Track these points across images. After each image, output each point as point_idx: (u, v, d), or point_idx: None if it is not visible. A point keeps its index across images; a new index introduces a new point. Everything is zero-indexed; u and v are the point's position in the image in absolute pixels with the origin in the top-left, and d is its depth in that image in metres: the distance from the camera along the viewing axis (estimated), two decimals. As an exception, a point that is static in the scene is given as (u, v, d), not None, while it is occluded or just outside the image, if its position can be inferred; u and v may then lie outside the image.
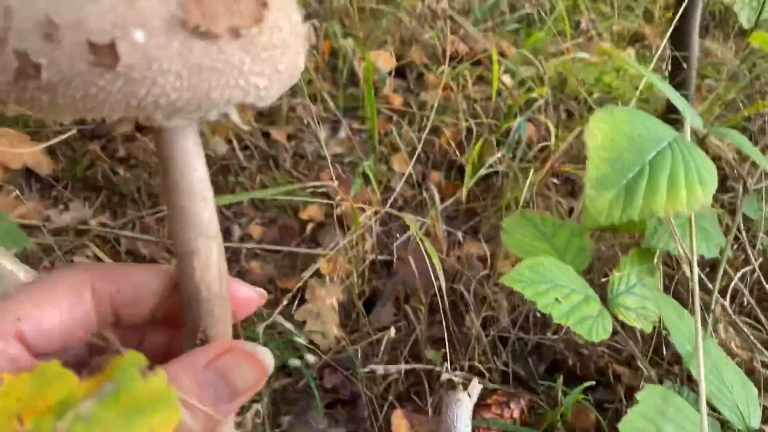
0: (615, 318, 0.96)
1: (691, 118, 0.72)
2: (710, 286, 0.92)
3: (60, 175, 1.56)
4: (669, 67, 1.64)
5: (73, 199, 1.50)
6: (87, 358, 0.48)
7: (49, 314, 0.44)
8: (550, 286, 0.90)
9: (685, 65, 1.51)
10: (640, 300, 0.98)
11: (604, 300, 0.98)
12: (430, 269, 1.23)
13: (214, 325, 0.46)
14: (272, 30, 0.37)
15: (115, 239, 1.44)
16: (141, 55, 0.33)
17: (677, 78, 1.55)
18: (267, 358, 0.45)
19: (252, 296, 0.51)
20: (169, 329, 0.49)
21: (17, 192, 1.46)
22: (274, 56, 0.38)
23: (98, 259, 1.40)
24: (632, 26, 2.55)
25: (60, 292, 0.45)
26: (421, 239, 1.21)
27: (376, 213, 1.43)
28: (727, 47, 2.58)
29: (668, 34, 1.46)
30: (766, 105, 1.32)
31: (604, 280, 0.99)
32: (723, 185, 1.72)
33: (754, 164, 1.61)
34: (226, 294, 0.46)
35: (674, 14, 1.50)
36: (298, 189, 1.53)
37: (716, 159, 1.69)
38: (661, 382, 1.06)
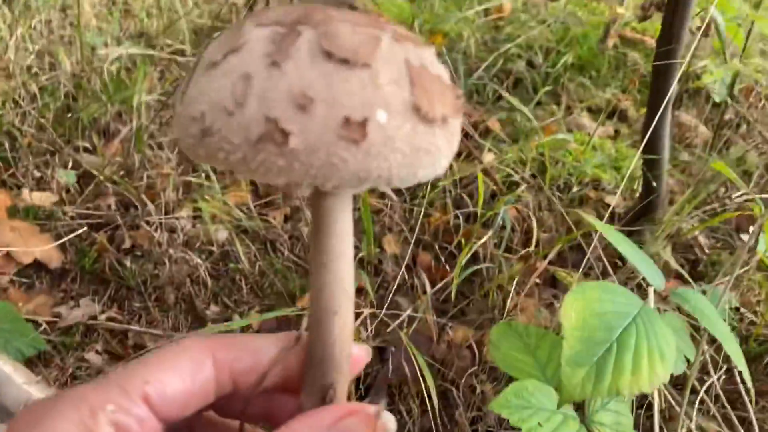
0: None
1: (653, 281, 0.82)
2: (677, 408, 1.02)
3: (69, 268, 1.64)
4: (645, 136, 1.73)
5: (82, 293, 1.58)
6: (192, 425, 0.52)
7: (173, 381, 0.47)
8: (533, 411, 0.99)
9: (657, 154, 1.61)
10: (615, 416, 1.07)
11: (583, 415, 1.07)
12: (418, 371, 1.32)
13: (341, 384, 0.48)
14: (458, 119, 0.44)
15: (123, 332, 1.51)
16: (382, 134, 0.38)
17: (651, 153, 1.63)
18: (390, 422, 0.47)
19: (362, 355, 0.53)
20: (272, 393, 0.52)
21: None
22: (454, 141, 0.43)
23: (108, 353, 1.47)
24: (611, 98, 2.68)
25: (184, 360, 0.48)
26: (410, 347, 1.30)
27: (373, 315, 1.51)
28: (701, 118, 2.72)
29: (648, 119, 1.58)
30: (728, 216, 1.44)
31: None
32: (695, 269, 1.84)
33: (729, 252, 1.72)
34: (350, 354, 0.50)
35: (650, 96, 1.59)
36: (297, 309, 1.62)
37: (689, 247, 1.80)
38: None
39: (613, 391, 0.70)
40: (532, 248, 1.56)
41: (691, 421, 1.04)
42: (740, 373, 0.78)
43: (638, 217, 1.72)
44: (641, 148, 1.44)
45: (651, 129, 1.44)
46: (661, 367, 0.71)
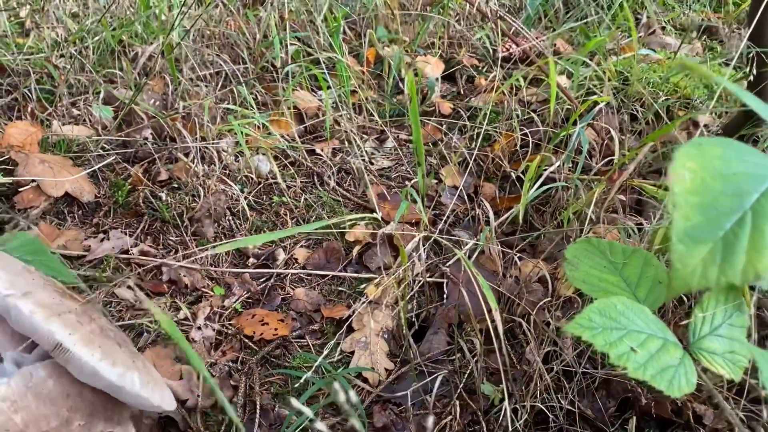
0: (698, 364, 0.84)
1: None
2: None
3: (102, 201, 1.53)
4: (747, 58, 1.47)
5: (114, 227, 1.46)
6: None
7: None
8: (624, 333, 0.79)
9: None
10: (728, 343, 0.86)
11: (685, 343, 0.86)
12: (481, 300, 1.13)
13: None
14: None
15: (156, 267, 1.39)
16: None
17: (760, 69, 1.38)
18: None
19: None
20: None
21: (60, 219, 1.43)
22: None
23: (142, 289, 1.36)
24: (699, 17, 2.37)
25: None
26: (470, 268, 1.11)
27: (426, 239, 1.33)
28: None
29: (748, 26, 1.31)
30: None
31: (683, 323, 0.87)
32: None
33: None
34: None
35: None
36: (346, 219, 1.45)
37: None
38: (752, 429, 0.94)
39: (748, 275, 0.49)
40: (615, 159, 1.33)
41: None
42: None
43: (738, 129, 1.46)
44: (747, 35, 1.19)
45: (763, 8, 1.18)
46: (820, 244, 0.50)
